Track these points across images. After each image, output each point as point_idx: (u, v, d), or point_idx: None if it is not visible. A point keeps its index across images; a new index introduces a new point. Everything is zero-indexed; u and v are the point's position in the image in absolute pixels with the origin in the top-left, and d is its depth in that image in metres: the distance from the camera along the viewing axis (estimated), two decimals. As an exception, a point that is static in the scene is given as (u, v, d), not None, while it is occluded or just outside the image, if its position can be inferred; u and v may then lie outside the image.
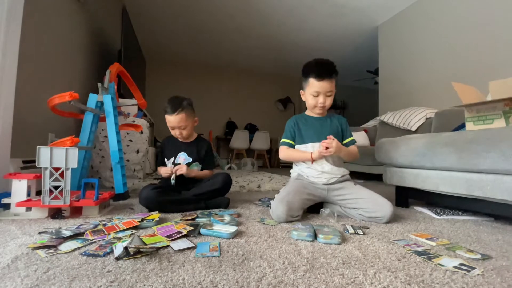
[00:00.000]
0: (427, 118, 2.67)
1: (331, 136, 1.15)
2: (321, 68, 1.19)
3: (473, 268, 0.65)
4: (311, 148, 1.25)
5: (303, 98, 1.30)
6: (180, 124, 1.37)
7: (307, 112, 1.34)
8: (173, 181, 1.30)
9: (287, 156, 1.30)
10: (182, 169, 1.32)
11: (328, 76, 1.18)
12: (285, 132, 1.33)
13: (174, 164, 1.40)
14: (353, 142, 1.30)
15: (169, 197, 1.23)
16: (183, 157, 1.42)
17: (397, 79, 3.65)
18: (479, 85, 1.40)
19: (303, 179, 1.26)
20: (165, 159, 1.45)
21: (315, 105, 1.24)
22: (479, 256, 0.74)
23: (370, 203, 1.11)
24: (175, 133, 1.41)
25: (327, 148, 1.13)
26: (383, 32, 3.95)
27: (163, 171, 1.35)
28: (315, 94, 1.21)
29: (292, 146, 1.30)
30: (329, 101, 1.23)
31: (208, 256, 0.69)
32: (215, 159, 4.97)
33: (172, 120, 1.36)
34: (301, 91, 1.31)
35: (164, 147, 1.48)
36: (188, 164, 1.40)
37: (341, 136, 1.29)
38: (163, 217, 1.11)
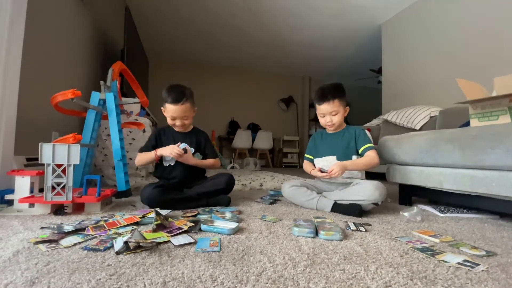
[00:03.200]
0: (431, 117, 2.64)
1: (329, 170, 1.22)
2: (320, 94, 1.34)
3: (477, 265, 0.64)
4: (325, 162, 1.37)
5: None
6: (184, 114, 1.33)
7: (326, 129, 1.46)
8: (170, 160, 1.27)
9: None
10: (187, 155, 1.30)
11: (326, 100, 1.31)
12: (307, 148, 1.51)
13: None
14: (368, 149, 1.31)
15: (171, 196, 1.22)
16: (183, 146, 1.36)
17: (401, 78, 3.62)
18: (484, 83, 1.37)
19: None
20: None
21: (324, 124, 1.39)
22: (483, 252, 0.73)
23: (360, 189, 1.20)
24: (174, 123, 1.35)
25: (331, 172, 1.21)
26: (386, 31, 3.92)
27: (168, 149, 1.26)
28: (321, 115, 1.37)
29: (311, 160, 1.46)
30: (336, 119, 1.34)
31: (208, 251, 0.69)
32: (218, 157, 4.99)
33: (177, 110, 1.30)
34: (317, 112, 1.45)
35: (159, 137, 1.40)
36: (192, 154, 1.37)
37: (354, 148, 1.34)
38: (164, 213, 1.11)
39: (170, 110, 1.32)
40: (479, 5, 2.66)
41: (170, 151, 1.27)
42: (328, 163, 1.34)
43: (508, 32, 2.39)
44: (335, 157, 1.34)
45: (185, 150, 1.31)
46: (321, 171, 1.28)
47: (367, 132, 1.41)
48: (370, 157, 1.29)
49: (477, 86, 1.26)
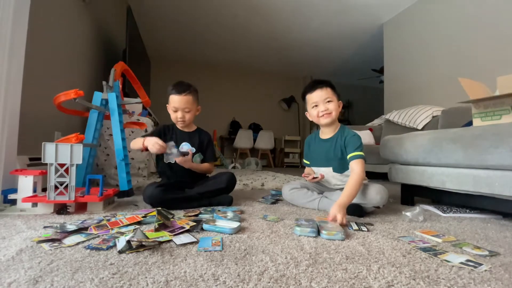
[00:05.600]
0: (433, 116, 2.63)
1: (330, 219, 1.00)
2: (311, 83, 1.29)
3: (480, 264, 0.64)
4: (322, 173, 1.32)
5: (310, 118, 1.34)
6: (186, 105, 1.32)
7: (320, 133, 1.38)
8: (175, 151, 1.25)
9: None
10: (186, 158, 1.29)
11: (319, 86, 1.24)
12: (304, 153, 1.47)
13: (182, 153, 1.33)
14: (354, 158, 1.17)
15: (173, 195, 1.22)
16: (186, 147, 1.37)
17: (403, 77, 3.61)
18: (487, 82, 1.37)
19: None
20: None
21: (317, 115, 1.26)
22: (486, 252, 0.73)
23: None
24: (177, 116, 1.34)
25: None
26: (388, 30, 3.91)
27: (151, 141, 1.19)
28: (314, 105, 1.26)
29: (310, 166, 1.41)
30: (332, 107, 1.24)
31: (210, 251, 0.69)
32: (219, 157, 5.00)
33: (179, 100, 1.31)
34: (306, 113, 1.36)
35: (164, 133, 1.39)
36: (193, 154, 1.37)
37: (346, 156, 1.24)
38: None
39: (173, 101, 1.32)
40: (482, 4, 2.65)
41: (152, 144, 1.20)
42: (324, 174, 1.31)
43: (511, 32, 2.37)
44: (331, 168, 1.29)
45: (186, 153, 1.30)
46: (314, 177, 1.28)
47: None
48: (356, 176, 1.12)
49: (479, 85, 1.25)
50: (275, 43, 4.82)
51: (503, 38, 2.44)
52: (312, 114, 1.29)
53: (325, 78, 1.34)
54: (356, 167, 1.16)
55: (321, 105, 1.24)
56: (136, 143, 1.29)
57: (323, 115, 1.25)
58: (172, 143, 1.28)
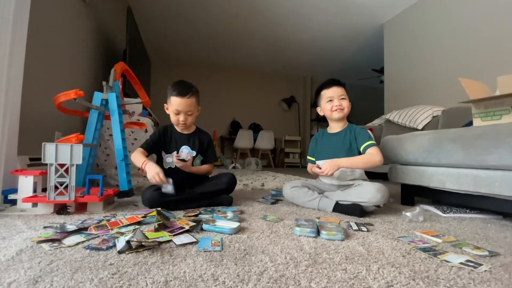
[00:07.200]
0: (433, 116, 2.62)
1: (321, 163, 1.24)
2: (328, 80, 1.38)
3: (480, 265, 0.64)
4: None
5: (321, 113, 1.42)
6: (189, 108, 1.29)
7: (328, 129, 1.44)
8: (170, 188, 1.16)
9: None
10: (186, 164, 1.28)
11: (335, 84, 1.34)
12: (309, 149, 1.52)
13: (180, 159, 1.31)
14: (369, 146, 1.26)
15: (173, 197, 1.20)
16: (186, 151, 1.35)
17: (403, 78, 3.61)
18: (487, 82, 1.37)
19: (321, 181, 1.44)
20: (163, 153, 1.36)
21: (331, 109, 1.33)
22: (486, 253, 0.73)
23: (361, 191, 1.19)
24: (178, 119, 1.30)
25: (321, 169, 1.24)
26: (388, 30, 3.91)
27: (152, 171, 1.13)
28: (329, 100, 1.34)
29: (314, 162, 1.42)
30: (345, 103, 1.33)
31: (209, 251, 0.69)
32: (220, 157, 5.00)
33: (182, 103, 1.26)
34: (317, 108, 1.43)
35: (163, 136, 1.37)
36: (193, 158, 1.35)
37: (356, 149, 1.31)
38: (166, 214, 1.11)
39: (175, 104, 1.27)
40: (482, 4, 2.65)
41: (152, 175, 1.13)
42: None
43: (511, 32, 2.37)
44: None
45: (185, 160, 1.29)
46: (318, 167, 1.28)
47: (369, 131, 1.40)
48: (370, 154, 1.24)
49: (480, 85, 1.25)
50: (275, 43, 4.82)
51: (503, 38, 2.43)
52: (325, 108, 1.36)
53: (325, 78, 1.41)
54: (373, 151, 1.24)
55: (335, 100, 1.32)
56: (137, 160, 1.25)
57: (336, 110, 1.33)
58: (170, 180, 1.17)
